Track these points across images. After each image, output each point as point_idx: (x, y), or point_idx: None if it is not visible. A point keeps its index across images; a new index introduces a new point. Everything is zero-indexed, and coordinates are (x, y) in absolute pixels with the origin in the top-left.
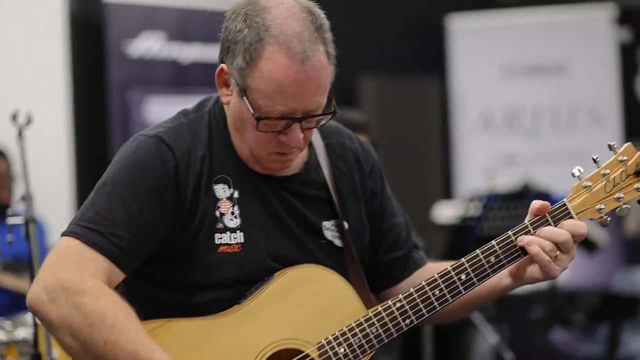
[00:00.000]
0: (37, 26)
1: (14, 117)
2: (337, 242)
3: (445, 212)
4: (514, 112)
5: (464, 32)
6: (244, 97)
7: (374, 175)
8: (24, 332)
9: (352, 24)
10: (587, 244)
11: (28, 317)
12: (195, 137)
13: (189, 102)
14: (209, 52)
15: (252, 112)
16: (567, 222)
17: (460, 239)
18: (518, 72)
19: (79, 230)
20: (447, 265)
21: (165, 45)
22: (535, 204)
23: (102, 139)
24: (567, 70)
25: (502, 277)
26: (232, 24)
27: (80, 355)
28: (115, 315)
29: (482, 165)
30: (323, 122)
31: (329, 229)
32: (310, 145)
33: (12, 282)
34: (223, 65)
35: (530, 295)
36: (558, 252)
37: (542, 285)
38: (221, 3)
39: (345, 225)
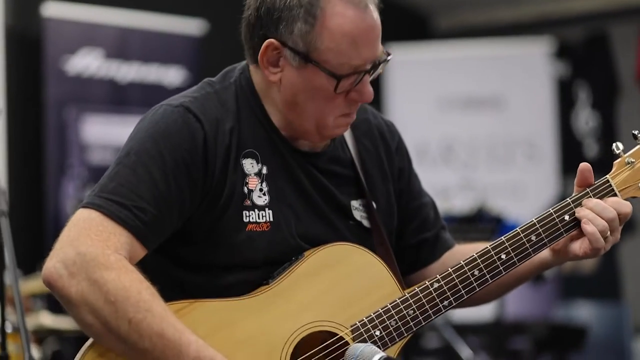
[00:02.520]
0: None
1: None
2: (366, 223)
3: None
4: (450, 145)
5: (401, 63)
6: (312, 63)
7: (401, 152)
8: None
9: None
10: None
11: None
12: (223, 108)
13: (127, 121)
14: (147, 72)
15: (332, 73)
16: (611, 200)
17: None
18: (454, 104)
19: (100, 202)
20: (481, 246)
21: (103, 63)
22: (581, 172)
23: (37, 157)
24: (504, 103)
25: (542, 254)
26: None
27: (101, 335)
28: (140, 293)
29: None
30: (378, 72)
31: (357, 208)
32: None
33: None
34: (271, 40)
35: (475, 325)
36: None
37: (487, 315)
38: (160, 23)
39: (374, 205)
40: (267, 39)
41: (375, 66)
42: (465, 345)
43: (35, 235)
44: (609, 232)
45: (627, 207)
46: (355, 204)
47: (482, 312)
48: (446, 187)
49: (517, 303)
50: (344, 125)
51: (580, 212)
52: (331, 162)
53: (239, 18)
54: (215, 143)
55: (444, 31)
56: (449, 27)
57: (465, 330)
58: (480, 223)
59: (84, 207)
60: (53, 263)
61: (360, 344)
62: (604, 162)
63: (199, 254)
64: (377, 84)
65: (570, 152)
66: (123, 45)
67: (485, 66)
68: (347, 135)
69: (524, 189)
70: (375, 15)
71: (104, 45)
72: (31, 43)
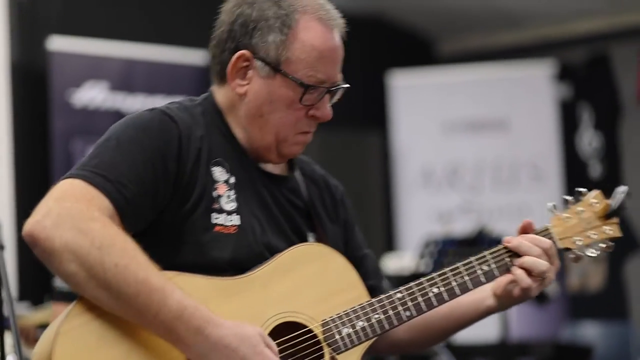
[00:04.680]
0: None
1: None
2: None
3: (393, 264)
4: (455, 168)
5: (405, 87)
6: (281, 73)
7: (344, 204)
8: None
9: None
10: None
11: None
12: (193, 119)
13: None
14: (152, 103)
15: (300, 81)
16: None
17: None
18: (459, 128)
19: (84, 173)
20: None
21: (109, 95)
22: (522, 225)
23: (44, 189)
24: (508, 126)
25: (485, 297)
26: (247, 9)
27: (83, 283)
28: (125, 242)
29: (422, 220)
30: (336, 98)
31: (312, 239)
32: (291, 160)
33: None
34: (243, 51)
35: (481, 346)
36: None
37: (493, 335)
38: (164, 54)
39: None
40: (237, 51)
41: (335, 88)
42: None
43: (43, 267)
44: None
45: (546, 240)
46: (310, 235)
47: (487, 333)
48: (450, 210)
49: (523, 323)
50: (301, 144)
51: (512, 239)
52: (291, 192)
53: None
54: (188, 143)
55: (447, 56)
56: (452, 52)
57: (470, 352)
58: (481, 245)
59: (66, 178)
60: (37, 218)
61: None
62: (607, 183)
63: (166, 255)
64: (382, 108)
65: (574, 173)
66: (128, 77)
67: (489, 89)
68: (299, 177)
69: (529, 210)
70: (339, 38)
71: (109, 77)
72: (37, 77)
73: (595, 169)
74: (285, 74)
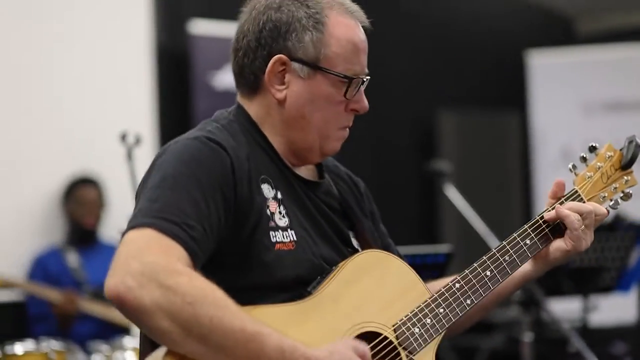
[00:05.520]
0: (124, 58)
1: (123, 137)
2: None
3: None
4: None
5: (544, 67)
6: (322, 70)
7: (368, 196)
8: (121, 356)
9: (433, 59)
10: None
11: (125, 341)
12: (235, 140)
13: None
14: None
15: (343, 75)
16: (588, 202)
17: (553, 272)
18: (598, 108)
19: (151, 220)
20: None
21: None
22: (553, 187)
23: None
24: None
25: (523, 266)
26: (275, 13)
27: (180, 340)
28: (214, 292)
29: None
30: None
31: (353, 237)
32: (320, 164)
33: (100, 309)
34: (279, 56)
35: (615, 329)
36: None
37: (631, 318)
38: None
39: (365, 235)
40: (272, 57)
41: (367, 79)
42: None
43: None
44: (583, 226)
45: (602, 209)
46: (351, 234)
47: (625, 315)
48: None
49: None
50: (342, 139)
51: (559, 210)
52: (326, 194)
53: (377, 32)
54: (240, 168)
55: (586, 35)
56: (591, 31)
57: (608, 335)
58: (619, 231)
59: (132, 228)
60: (118, 278)
61: None
62: None
63: (231, 279)
64: (521, 88)
65: None
66: None
67: (628, 69)
68: (327, 177)
69: None
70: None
71: None
72: (179, 59)
73: None
74: (327, 71)
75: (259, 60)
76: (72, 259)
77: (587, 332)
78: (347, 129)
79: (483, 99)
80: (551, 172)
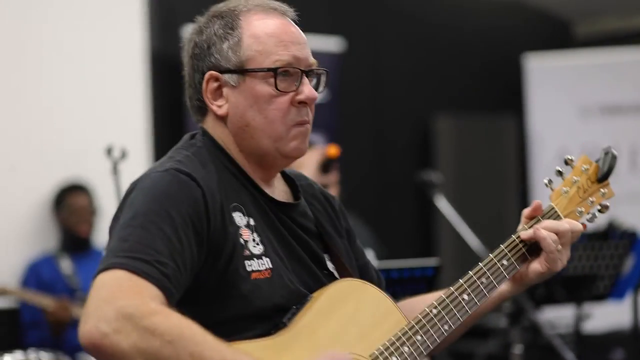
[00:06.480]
0: (117, 63)
1: (109, 151)
2: (337, 274)
3: None
4: (591, 152)
5: (541, 70)
6: (248, 72)
7: (344, 214)
8: None
9: (430, 62)
10: None
11: None
12: (205, 169)
13: None
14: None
15: (267, 68)
16: (565, 219)
17: (547, 281)
18: (595, 111)
19: (122, 260)
20: (429, 296)
21: None
22: (528, 209)
23: None
24: None
25: (500, 287)
26: (197, 36)
27: None
28: (190, 327)
29: None
30: (321, 89)
31: (328, 260)
32: (294, 182)
33: None
34: (211, 72)
35: (611, 335)
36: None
37: (624, 325)
38: None
39: (340, 258)
40: (204, 74)
41: (311, 70)
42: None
43: None
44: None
45: (578, 225)
46: (325, 257)
47: (621, 321)
48: None
49: None
50: (300, 137)
51: (537, 231)
52: (301, 216)
53: (374, 35)
54: (212, 199)
55: (583, 38)
56: (588, 35)
57: (604, 341)
58: (612, 239)
59: (104, 270)
60: (92, 325)
61: None
62: None
63: (208, 313)
64: (518, 92)
65: None
66: None
67: (625, 72)
68: (302, 197)
69: None
70: (293, 23)
71: None
72: (172, 64)
73: None
74: (253, 70)
75: (198, 85)
76: (66, 265)
77: (581, 339)
78: (305, 125)
79: (480, 102)
80: (548, 175)
